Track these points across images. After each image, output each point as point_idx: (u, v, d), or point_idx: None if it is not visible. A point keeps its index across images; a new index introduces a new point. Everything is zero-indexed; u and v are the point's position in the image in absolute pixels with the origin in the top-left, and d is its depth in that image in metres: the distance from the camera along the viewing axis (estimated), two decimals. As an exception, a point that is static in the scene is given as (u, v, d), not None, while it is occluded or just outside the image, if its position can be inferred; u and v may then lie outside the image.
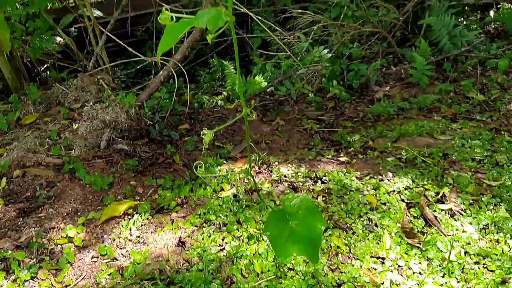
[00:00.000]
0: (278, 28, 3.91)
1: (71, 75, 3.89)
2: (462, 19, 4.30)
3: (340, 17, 3.90)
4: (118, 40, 3.46)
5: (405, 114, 3.28)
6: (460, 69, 3.68)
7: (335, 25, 3.75)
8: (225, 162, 2.89)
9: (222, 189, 2.51)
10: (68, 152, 2.83)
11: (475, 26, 4.32)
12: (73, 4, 4.85)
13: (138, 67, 3.87)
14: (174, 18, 0.91)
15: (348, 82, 3.71)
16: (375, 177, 2.49)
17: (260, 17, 3.90)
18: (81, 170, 2.60)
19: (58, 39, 4.07)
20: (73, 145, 2.88)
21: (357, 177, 2.53)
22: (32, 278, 1.89)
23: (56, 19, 3.90)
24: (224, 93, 4.03)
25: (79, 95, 3.35)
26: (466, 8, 4.65)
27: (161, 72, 3.47)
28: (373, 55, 3.95)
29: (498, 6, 4.61)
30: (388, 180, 2.44)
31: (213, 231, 2.12)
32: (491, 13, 4.60)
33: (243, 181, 2.60)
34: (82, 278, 1.91)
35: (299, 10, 3.86)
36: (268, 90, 3.80)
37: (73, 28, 4.25)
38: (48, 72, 4.40)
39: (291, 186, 2.50)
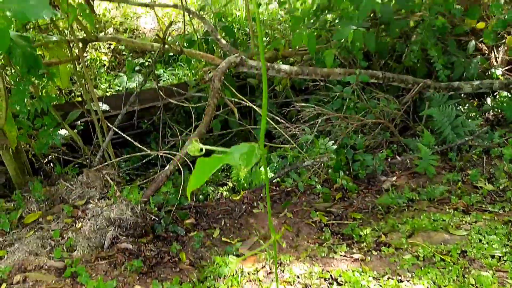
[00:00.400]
0: (281, 120, 3.98)
1: (76, 169, 3.88)
2: (460, 107, 4.40)
3: (343, 108, 3.98)
4: (124, 135, 3.49)
5: (416, 205, 3.23)
6: (465, 158, 3.69)
7: (338, 117, 3.82)
8: (233, 260, 2.78)
9: (233, 294, 2.38)
10: (70, 253, 2.72)
11: (474, 114, 4.41)
12: (80, 99, 4.99)
13: (144, 160, 3.87)
14: (204, 149, 0.89)
15: (355, 173, 3.70)
16: (393, 277, 2.38)
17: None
18: (84, 274, 2.48)
19: (63, 131, 4.11)
20: (76, 245, 2.78)
21: (374, 278, 2.41)
22: None
23: (63, 114, 3.97)
24: (230, 183, 3.99)
25: (84, 191, 3.31)
26: (463, 95, 4.78)
27: (168, 166, 3.46)
28: (377, 144, 3.99)
29: (495, 94, 4.75)
30: (408, 281, 2.33)
31: None
32: (488, 100, 4.72)
33: (254, 283, 2.48)
34: None
35: (302, 104, 3.95)
36: (274, 181, 3.78)
37: (79, 122, 4.31)
38: (51, 164, 4.40)
39: (305, 289, 2.38)
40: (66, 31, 5.37)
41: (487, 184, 3.43)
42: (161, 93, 4.00)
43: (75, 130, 4.22)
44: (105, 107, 4.37)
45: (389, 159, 3.83)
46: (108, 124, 3.65)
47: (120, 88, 6.02)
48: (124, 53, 6.54)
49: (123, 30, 6.80)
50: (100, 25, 6.39)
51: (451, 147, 3.76)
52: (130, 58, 6.46)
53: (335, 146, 3.56)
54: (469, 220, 2.88)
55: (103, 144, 3.59)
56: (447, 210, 3.08)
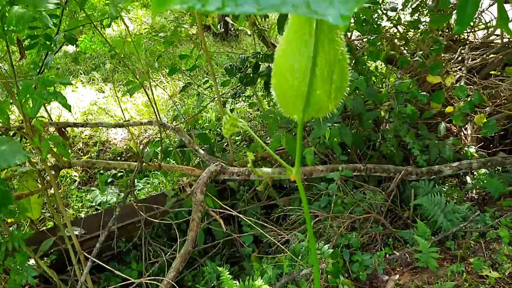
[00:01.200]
0: (270, 226, 3.81)
1: (52, 308, 3.50)
2: (444, 189, 4.38)
3: (331, 206, 3.88)
4: (105, 265, 3.21)
5: (427, 307, 3.03)
6: (464, 246, 3.58)
7: (328, 217, 3.70)
8: None
9: None
10: None
11: (457, 195, 4.38)
12: (52, 224, 4.69)
13: (128, 289, 3.55)
14: None
15: (354, 275, 3.49)
16: None
17: (248, 217, 3.83)
18: None
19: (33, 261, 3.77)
20: None
21: None
22: None
23: (34, 248, 3.67)
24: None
25: (63, 338, 2.94)
26: (442, 176, 4.80)
27: (155, 295, 3.17)
28: (371, 240, 3.84)
29: (473, 172, 4.78)
30: None
31: None
32: (468, 179, 4.75)
33: None
34: None
35: (290, 207, 3.83)
36: (271, 294, 3.51)
37: (51, 251, 3.99)
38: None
39: None
40: (35, 157, 5.20)
41: (492, 271, 3.29)
42: (141, 212, 3.79)
43: (46, 259, 3.90)
44: (82, 231, 4.09)
45: (387, 255, 3.66)
46: (86, 254, 3.37)
47: (93, 204, 5.76)
48: (95, 166, 6.35)
49: (93, 143, 6.69)
50: (68, 141, 6.26)
51: (447, 236, 3.66)
52: (102, 171, 6.28)
53: (331, 250, 3.39)
54: (488, 320, 2.70)
55: (81, 278, 3.28)
56: (461, 309, 2.90)
